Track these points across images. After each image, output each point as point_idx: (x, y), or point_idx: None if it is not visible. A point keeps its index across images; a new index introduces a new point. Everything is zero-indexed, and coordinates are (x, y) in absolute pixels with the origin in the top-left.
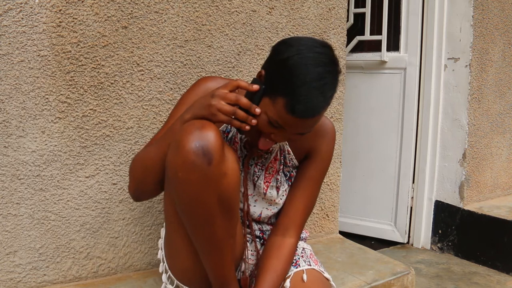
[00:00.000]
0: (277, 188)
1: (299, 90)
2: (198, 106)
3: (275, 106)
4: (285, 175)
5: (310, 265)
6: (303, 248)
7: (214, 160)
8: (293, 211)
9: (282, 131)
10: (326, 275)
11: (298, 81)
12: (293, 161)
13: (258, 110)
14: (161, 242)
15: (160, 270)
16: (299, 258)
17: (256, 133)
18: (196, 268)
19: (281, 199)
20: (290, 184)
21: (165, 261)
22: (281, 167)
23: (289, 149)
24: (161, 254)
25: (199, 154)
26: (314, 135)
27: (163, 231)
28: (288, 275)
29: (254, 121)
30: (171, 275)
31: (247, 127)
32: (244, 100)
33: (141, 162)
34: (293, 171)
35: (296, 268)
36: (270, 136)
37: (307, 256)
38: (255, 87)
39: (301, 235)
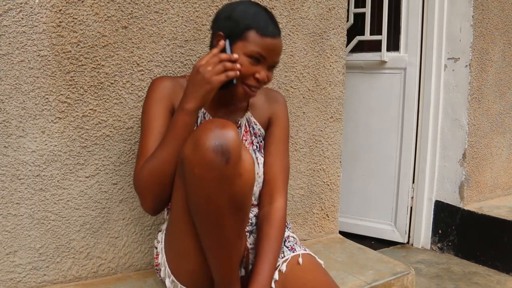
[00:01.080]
0: (257, 160)
1: (260, 18)
2: (194, 89)
3: (249, 40)
4: (257, 147)
5: (306, 250)
6: (292, 237)
7: (232, 159)
8: (272, 176)
9: (263, 64)
10: (319, 260)
11: (256, 13)
12: (260, 131)
13: (235, 55)
14: (161, 247)
15: (162, 275)
16: (293, 245)
17: (228, 95)
18: (202, 271)
19: (261, 170)
20: (262, 154)
21: (166, 265)
22: (253, 138)
23: (255, 120)
24: (162, 258)
25: (217, 152)
26: (269, 103)
27: (161, 235)
28: (285, 258)
29: (238, 66)
30: (174, 279)
31: (238, 73)
32: (223, 55)
33: (157, 172)
34: (262, 141)
35: (293, 252)
36: (255, 76)
37: (299, 243)
38: (222, 42)
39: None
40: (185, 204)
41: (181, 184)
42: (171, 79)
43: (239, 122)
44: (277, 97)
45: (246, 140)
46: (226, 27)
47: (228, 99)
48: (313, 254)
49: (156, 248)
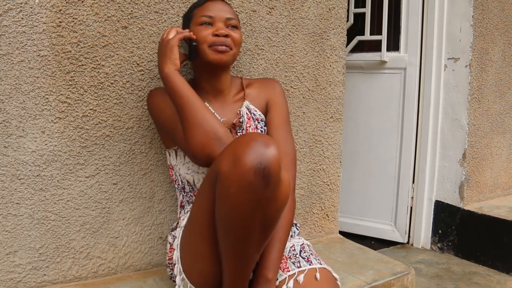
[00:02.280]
0: None
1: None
2: (160, 56)
3: (195, 15)
4: (262, 131)
5: (322, 264)
6: (307, 245)
7: (272, 183)
8: None
9: (216, 23)
10: (335, 274)
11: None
12: (261, 116)
13: (187, 30)
14: (177, 243)
15: (175, 272)
16: (309, 255)
17: (203, 66)
18: (213, 273)
19: None
20: None
21: (179, 263)
22: (256, 123)
23: (254, 107)
24: (176, 255)
25: (259, 174)
26: (265, 90)
27: (179, 231)
28: (302, 269)
29: (191, 33)
30: (184, 277)
31: (191, 33)
32: (174, 27)
33: (195, 124)
34: (265, 126)
35: (309, 264)
36: (213, 33)
37: (315, 254)
38: (186, 31)
39: (295, 229)
40: (209, 210)
41: (209, 190)
42: (160, 88)
43: (241, 112)
44: (272, 83)
45: (250, 126)
46: (182, 24)
47: (224, 87)
48: (329, 269)
49: (171, 243)
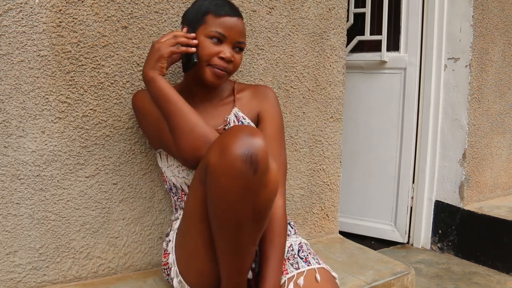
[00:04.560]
0: None
1: (216, 2)
2: (148, 60)
3: (208, 22)
4: None
5: (320, 264)
6: (305, 244)
7: (260, 170)
8: None
9: (226, 43)
10: (334, 273)
11: (212, 0)
12: (250, 125)
13: (193, 35)
14: (171, 246)
15: (172, 275)
16: (307, 255)
17: (196, 82)
18: (210, 272)
19: None
20: None
21: (176, 265)
22: None
23: (243, 114)
24: (172, 258)
25: (246, 161)
26: (258, 98)
27: (172, 234)
28: (301, 271)
29: (194, 42)
30: (181, 279)
31: (193, 49)
32: (178, 33)
33: (182, 129)
34: None
35: (308, 265)
36: (219, 56)
37: (313, 253)
38: (185, 29)
39: (290, 228)
40: (202, 206)
41: (199, 187)
42: (146, 91)
43: (228, 120)
44: (266, 92)
45: None
46: (189, 19)
47: (214, 94)
48: (327, 268)
49: (166, 247)
